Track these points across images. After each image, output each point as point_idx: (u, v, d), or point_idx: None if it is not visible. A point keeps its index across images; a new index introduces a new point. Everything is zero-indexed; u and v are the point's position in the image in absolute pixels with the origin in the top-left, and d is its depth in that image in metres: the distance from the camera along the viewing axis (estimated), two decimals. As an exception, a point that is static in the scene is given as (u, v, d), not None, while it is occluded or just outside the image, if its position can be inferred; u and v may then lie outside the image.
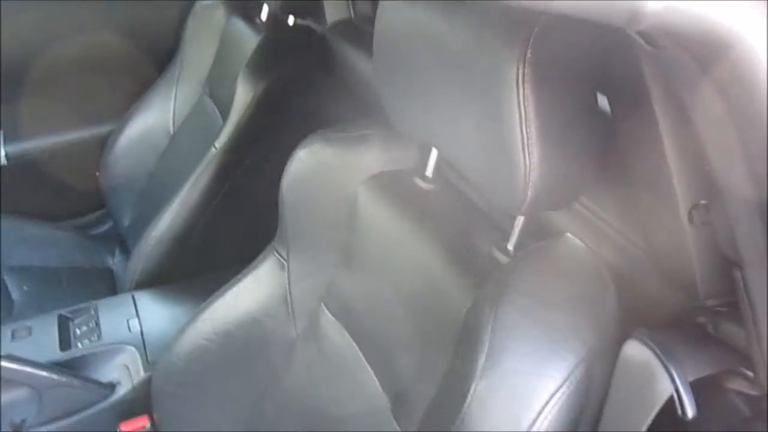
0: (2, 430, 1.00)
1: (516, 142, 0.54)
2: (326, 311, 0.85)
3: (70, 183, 1.69)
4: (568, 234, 0.61)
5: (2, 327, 1.13)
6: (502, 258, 0.66)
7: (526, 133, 0.53)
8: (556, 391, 0.53)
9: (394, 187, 0.79)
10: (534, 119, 0.53)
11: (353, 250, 0.82)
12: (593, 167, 0.60)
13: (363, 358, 0.78)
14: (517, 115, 0.53)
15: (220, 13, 1.44)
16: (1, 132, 1.63)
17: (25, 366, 0.97)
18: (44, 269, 1.49)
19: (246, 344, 0.91)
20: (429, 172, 0.78)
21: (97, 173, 1.62)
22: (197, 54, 1.47)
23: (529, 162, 0.54)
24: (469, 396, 0.54)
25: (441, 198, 0.77)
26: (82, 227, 1.70)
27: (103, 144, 1.61)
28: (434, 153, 0.77)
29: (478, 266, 0.66)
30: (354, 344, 0.80)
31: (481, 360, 0.54)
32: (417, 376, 0.70)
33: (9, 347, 1.03)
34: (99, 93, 1.65)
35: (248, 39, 1.29)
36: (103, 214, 1.71)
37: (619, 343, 0.55)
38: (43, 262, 1.51)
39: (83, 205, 1.72)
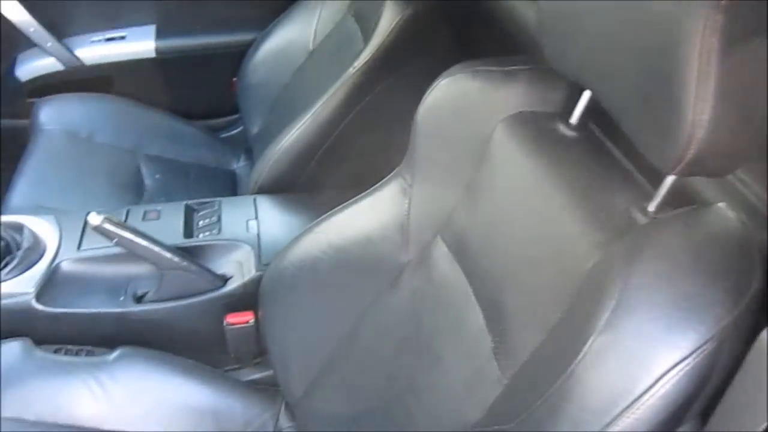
0: (127, 299, 1.09)
1: (688, 96, 0.50)
2: (441, 243, 0.85)
3: (209, 84, 1.77)
4: (722, 204, 0.57)
5: (134, 207, 1.22)
6: (641, 218, 0.62)
7: (702, 88, 0.49)
8: (679, 362, 0.50)
9: (533, 128, 0.76)
10: (714, 75, 0.49)
11: (479, 187, 0.81)
12: (764, 136, 0.55)
13: (472, 294, 0.77)
14: (695, 68, 0.49)
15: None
16: (155, 26, 1.71)
17: (153, 245, 1.04)
18: (175, 162, 1.58)
19: (356, 262, 0.93)
20: (575, 119, 0.75)
21: (235, 79, 1.68)
22: (347, -28, 1.46)
23: (698, 119, 0.50)
24: (584, 349, 0.53)
25: (582, 147, 0.74)
26: (214, 128, 1.78)
27: (245, 52, 1.66)
28: (585, 97, 0.73)
29: (612, 224, 0.63)
30: (465, 279, 0.79)
31: (605, 316, 0.52)
32: (524, 321, 0.69)
33: (139, 226, 1.10)
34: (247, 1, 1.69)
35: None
36: (235, 119, 1.78)
37: (757, 328, 0.51)
38: (175, 155, 1.60)
39: (218, 108, 1.79)
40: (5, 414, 0.94)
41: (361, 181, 0.98)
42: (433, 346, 0.80)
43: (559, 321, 0.63)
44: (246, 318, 1.09)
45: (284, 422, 1.05)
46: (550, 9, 0.67)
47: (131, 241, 1.02)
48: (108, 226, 0.99)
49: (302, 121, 1.24)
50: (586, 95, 0.73)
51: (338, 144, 1.25)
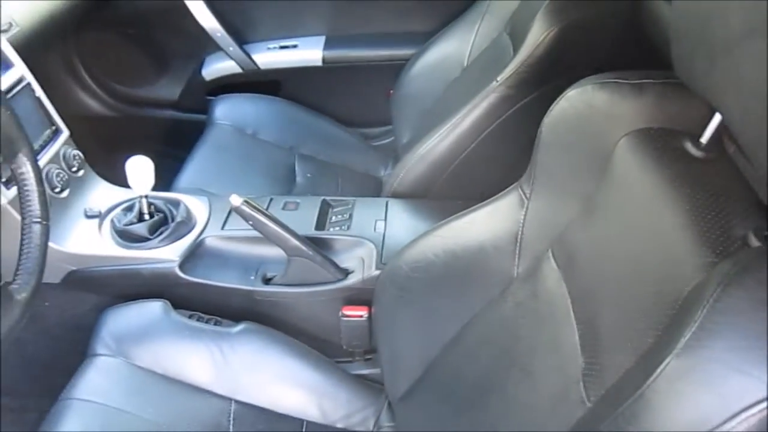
0: (257, 279, 1.17)
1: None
2: (551, 258, 0.82)
3: (367, 94, 1.86)
4: None
5: (277, 197, 1.31)
6: (754, 242, 0.56)
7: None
8: (763, 400, 0.45)
9: (659, 146, 0.72)
10: None
11: (596, 202, 0.78)
12: None
13: (572, 312, 0.74)
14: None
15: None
16: (324, 37, 1.84)
17: (284, 231, 1.11)
18: (326, 163, 1.67)
19: (467, 269, 0.93)
20: (705, 138, 0.69)
21: (391, 91, 1.75)
22: (508, -10, 1.47)
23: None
24: (657, 371, 0.49)
25: (708, 168, 0.68)
26: (367, 136, 1.87)
27: (404, 65, 1.72)
28: (716, 118, 0.68)
29: (722, 246, 0.58)
30: (568, 297, 0.76)
31: (684, 338, 0.48)
32: (617, 344, 0.64)
33: (278, 214, 1.18)
34: (410, 16, 1.76)
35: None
36: (388, 129, 1.85)
37: None
38: (328, 158, 1.69)
39: (373, 117, 1.87)
40: (140, 364, 1.05)
41: (491, 195, 0.98)
42: (527, 360, 0.78)
43: (650, 346, 0.58)
44: (361, 312, 1.12)
45: (385, 421, 1.07)
46: (683, 10, 0.62)
47: (264, 224, 1.10)
48: (245, 208, 1.08)
49: (440, 131, 1.26)
50: (717, 118, 0.67)
51: (474, 155, 1.26)
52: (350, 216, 1.25)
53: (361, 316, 1.12)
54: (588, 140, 0.80)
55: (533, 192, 0.87)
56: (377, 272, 1.12)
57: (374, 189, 1.67)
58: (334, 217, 1.25)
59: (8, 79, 1.18)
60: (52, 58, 1.84)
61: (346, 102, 1.87)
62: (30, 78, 1.23)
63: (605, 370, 0.64)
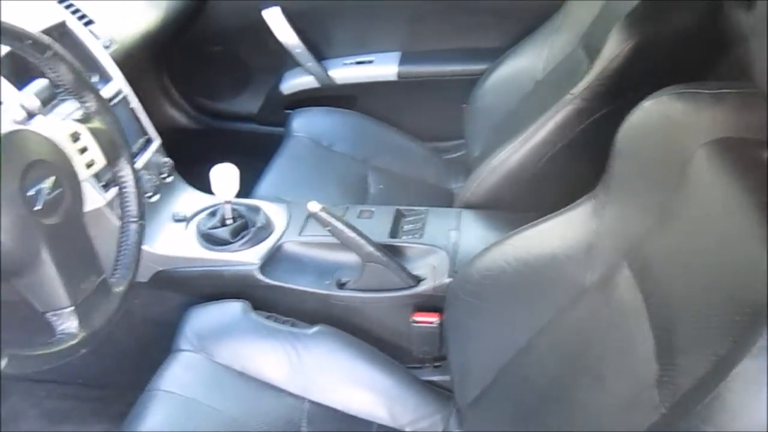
0: (332, 284, 1.21)
1: None
2: (626, 266, 0.82)
3: (440, 108, 1.89)
4: None
5: (352, 206, 1.35)
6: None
7: None
8: None
9: (737, 155, 0.72)
10: None
11: (672, 212, 0.78)
12: None
13: (647, 321, 0.74)
14: None
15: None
16: (400, 53, 1.88)
17: (359, 237, 1.15)
18: (399, 175, 1.71)
19: (538, 277, 0.94)
20: (787, 147, 0.69)
21: (464, 105, 1.77)
22: (583, 6, 1.47)
23: None
24: (734, 372, 0.49)
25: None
26: (440, 150, 1.89)
27: (477, 80, 1.74)
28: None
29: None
30: (643, 305, 0.76)
31: (762, 338, 0.48)
32: (694, 352, 0.64)
33: (353, 221, 1.22)
34: (483, 32, 1.78)
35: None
36: (460, 143, 1.87)
37: None
38: (400, 170, 1.73)
39: (446, 131, 1.90)
40: (220, 360, 1.10)
41: (563, 207, 0.98)
42: (598, 366, 0.78)
43: (726, 351, 0.58)
44: (432, 319, 1.14)
45: (453, 426, 1.08)
46: (763, 18, 0.62)
47: (341, 230, 1.14)
48: (323, 215, 1.12)
49: (513, 144, 1.28)
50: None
51: (547, 168, 1.26)
52: (423, 225, 1.27)
53: (431, 323, 1.14)
54: (665, 150, 0.80)
55: (608, 201, 0.87)
56: (449, 280, 1.14)
57: (445, 201, 1.68)
58: (407, 226, 1.28)
59: (108, 90, 1.27)
60: (145, 73, 1.95)
61: (420, 116, 1.91)
62: (127, 90, 1.32)
63: (680, 376, 0.64)
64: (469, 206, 1.34)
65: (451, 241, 1.23)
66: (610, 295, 0.83)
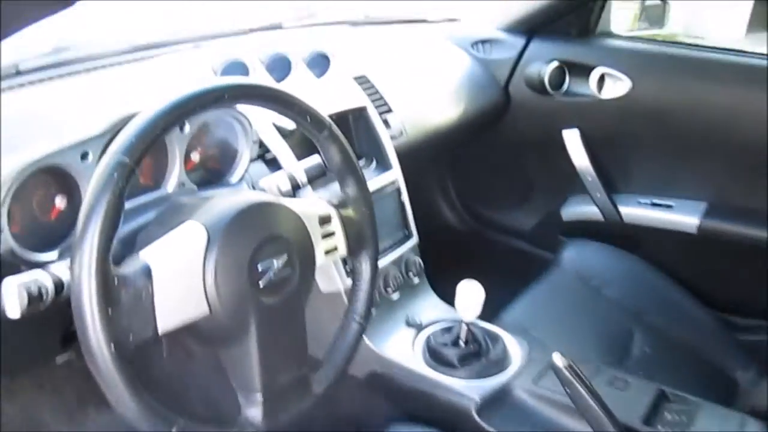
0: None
1: None
2: None
3: (744, 278, 1.58)
4: None
5: (605, 368, 1.13)
6: None
7: None
8: None
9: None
10: None
11: None
12: None
13: None
14: None
15: None
16: (706, 204, 1.62)
17: (603, 414, 0.93)
18: (673, 344, 1.45)
19: None
20: None
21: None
22: None
23: None
24: None
25: None
26: (733, 326, 1.59)
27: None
28: None
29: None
30: None
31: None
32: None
33: (602, 389, 0.99)
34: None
35: None
36: (762, 325, 1.55)
37: None
38: (676, 337, 1.47)
39: (746, 306, 1.59)
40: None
41: None
42: None
43: None
44: None
45: None
46: None
47: (583, 398, 0.94)
48: (567, 374, 0.94)
49: None
50: None
51: None
52: (690, 420, 1.01)
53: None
54: None
55: None
56: None
57: (725, 393, 1.37)
58: (668, 415, 1.03)
59: (383, 179, 1.26)
60: (427, 169, 1.97)
61: (716, 281, 1.61)
62: (401, 183, 1.30)
63: None
64: (759, 415, 1.03)
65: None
66: None
